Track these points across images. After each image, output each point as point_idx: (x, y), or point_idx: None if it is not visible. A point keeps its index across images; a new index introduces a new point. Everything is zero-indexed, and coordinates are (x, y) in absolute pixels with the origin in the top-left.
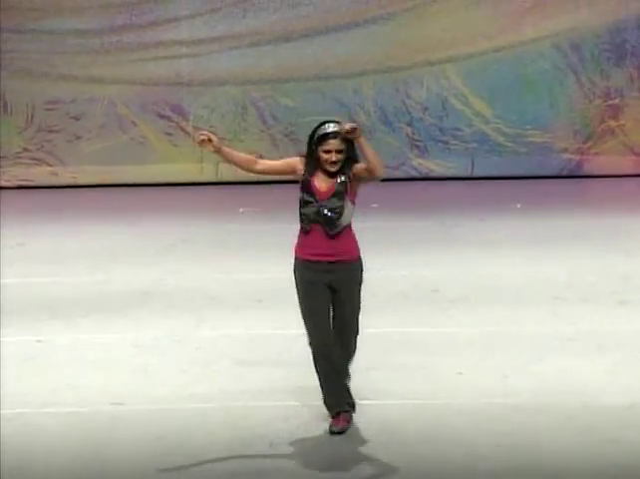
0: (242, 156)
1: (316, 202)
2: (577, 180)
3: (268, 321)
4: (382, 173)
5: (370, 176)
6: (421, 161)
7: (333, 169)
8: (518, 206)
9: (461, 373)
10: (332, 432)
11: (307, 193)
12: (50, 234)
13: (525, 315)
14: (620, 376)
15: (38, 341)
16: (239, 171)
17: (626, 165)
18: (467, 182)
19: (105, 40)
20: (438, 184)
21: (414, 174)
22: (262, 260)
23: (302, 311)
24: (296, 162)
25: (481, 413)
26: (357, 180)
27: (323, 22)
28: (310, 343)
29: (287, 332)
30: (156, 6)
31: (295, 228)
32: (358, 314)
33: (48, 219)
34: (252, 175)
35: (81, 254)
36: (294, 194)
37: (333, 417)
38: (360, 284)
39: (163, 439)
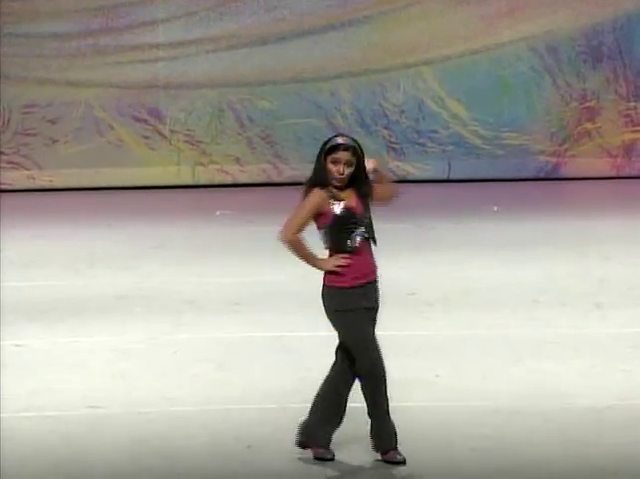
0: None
1: (357, 219)
2: (554, 182)
3: (246, 325)
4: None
5: (383, 202)
6: (398, 163)
7: (341, 183)
8: (495, 208)
9: (438, 376)
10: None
11: (348, 213)
12: (27, 237)
13: (503, 318)
14: (597, 378)
15: (16, 346)
16: (216, 174)
17: (603, 167)
18: (443, 184)
19: (81, 44)
20: (415, 186)
21: (391, 176)
22: (239, 264)
23: (357, 340)
24: (317, 197)
25: (459, 416)
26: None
27: (299, 25)
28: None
29: (265, 335)
30: (132, 9)
31: (271, 230)
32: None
33: (25, 222)
34: (229, 178)
35: (58, 258)
36: (270, 196)
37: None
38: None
39: (142, 442)
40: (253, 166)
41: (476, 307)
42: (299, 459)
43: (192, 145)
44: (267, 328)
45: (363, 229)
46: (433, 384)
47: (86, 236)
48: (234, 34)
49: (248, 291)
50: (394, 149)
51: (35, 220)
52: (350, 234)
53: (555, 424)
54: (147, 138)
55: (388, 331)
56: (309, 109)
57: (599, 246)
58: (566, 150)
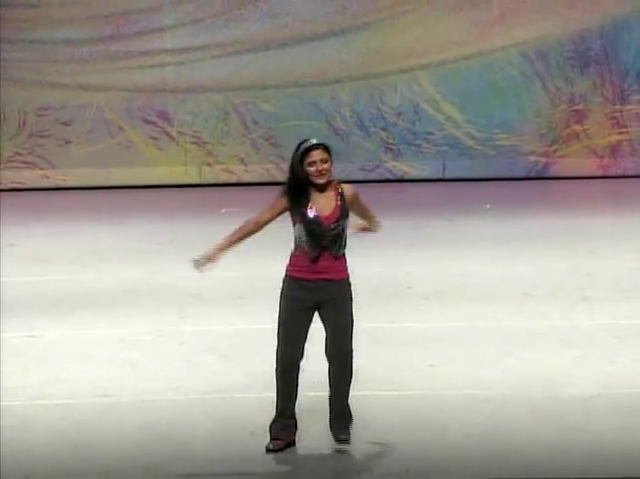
0: (243, 230)
1: (321, 228)
2: (544, 181)
3: (248, 317)
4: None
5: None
6: (395, 163)
7: (322, 180)
8: (488, 206)
9: (433, 366)
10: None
11: (310, 222)
12: (41, 234)
13: (495, 311)
14: (585, 368)
15: (30, 337)
16: (221, 173)
17: (590, 167)
18: (438, 183)
19: (93, 49)
20: (411, 185)
21: (388, 176)
22: (243, 259)
23: (279, 327)
24: (282, 200)
25: (453, 404)
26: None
27: (301, 31)
28: (277, 359)
29: (266, 327)
30: (141, 17)
31: (273, 227)
32: (349, 332)
33: (39, 220)
34: (234, 177)
35: (70, 254)
36: (273, 195)
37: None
38: (349, 301)
39: (149, 429)
40: (257, 166)
41: (469, 301)
42: (299, 446)
43: (199, 146)
44: (268, 321)
45: (326, 241)
46: (428, 374)
47: (96, 232)
48: (239, 40)
49: (251, 285)
50: (391, 149)
51: (48, 217)
52: (314, 242)
53: (545, 411)
54: (155, 139)
55: (385, 323)
56: (310, 111)
57: (587, 243)
58: (555, 150)
